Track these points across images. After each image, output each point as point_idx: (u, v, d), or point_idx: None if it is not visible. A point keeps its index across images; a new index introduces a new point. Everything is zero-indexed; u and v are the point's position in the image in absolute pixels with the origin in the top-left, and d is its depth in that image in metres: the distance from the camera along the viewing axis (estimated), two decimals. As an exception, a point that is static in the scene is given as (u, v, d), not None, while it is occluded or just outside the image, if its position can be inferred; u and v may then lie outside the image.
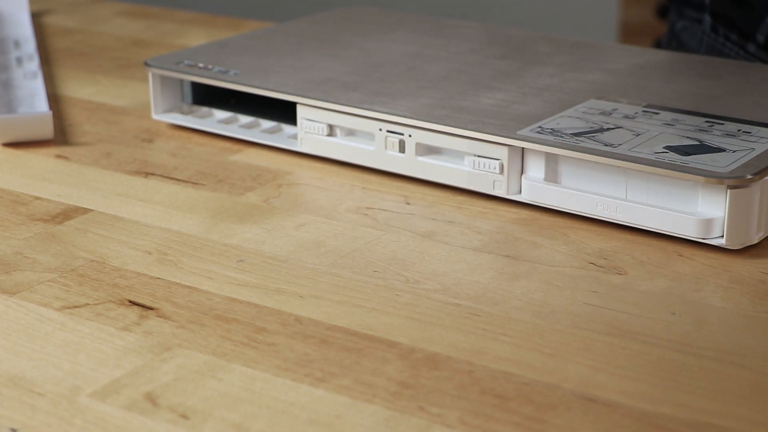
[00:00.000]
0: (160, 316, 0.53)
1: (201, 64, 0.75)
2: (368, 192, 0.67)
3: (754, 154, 0.59)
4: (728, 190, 0.57)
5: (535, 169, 0.63)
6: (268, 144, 0.72)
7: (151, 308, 0.54)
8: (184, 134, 0.76)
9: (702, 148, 0.60)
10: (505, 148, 0.63)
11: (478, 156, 0.64)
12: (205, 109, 0.76)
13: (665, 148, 0.60)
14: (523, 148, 0.63)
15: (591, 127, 0.63)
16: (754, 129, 0.63)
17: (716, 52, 0.90)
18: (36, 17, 1.03)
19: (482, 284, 0.56)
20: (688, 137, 0.62)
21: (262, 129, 0.74)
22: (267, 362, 0.50)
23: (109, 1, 1.11)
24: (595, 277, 0.56)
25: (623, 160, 0.59)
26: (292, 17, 0.82)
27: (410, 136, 0.66)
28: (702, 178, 0.57)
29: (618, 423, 0.45)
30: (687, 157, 0.59)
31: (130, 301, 0.55)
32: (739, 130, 0.62)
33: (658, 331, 0.52)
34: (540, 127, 0.63)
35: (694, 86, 0.71)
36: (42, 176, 0.69)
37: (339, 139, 0.69)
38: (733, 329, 0.52)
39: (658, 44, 1.00)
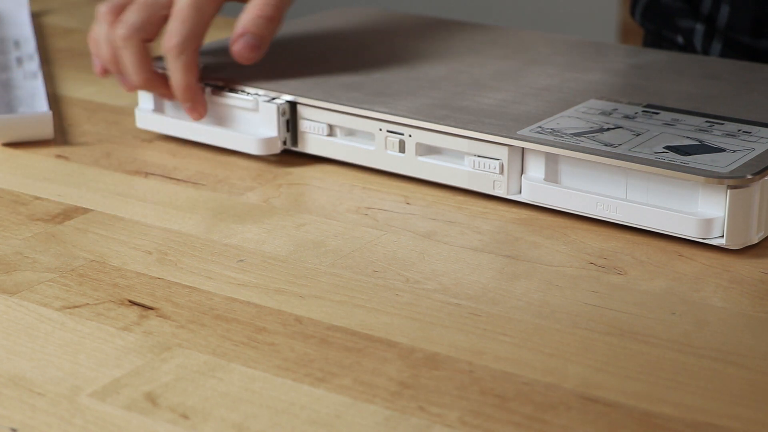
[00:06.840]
0: (160, 316, 0.53)
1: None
2: (368, 192, 0.66)
3: (754, 154, 0.59)
4: (728, 190, 0.57)
5: (535, 169, 0.63)
6: (268, 144, 0.72)
7: (151, 308, 0.54)
8: (184, 134, 0.75)
9: (702, 148, 0.60)
10: (505, 148, 0.63)
11: (478, 156, 0.64)
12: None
13: (665, 148, 0.60)
14: (523, 148, 0.63)
15: (591, 127, 0.63)
16: (754, 129, 0.63)
17: None
18: (36, 17, 1.03)
19: (482, 284, 0.56)
20: (688, 137, 0.62)
21: (262, 129, 0.74)
22: (267, 362, 0.50)
23: (109, 1, 1.11)
24: (595, 277, 0.56)
25: (623, 160, 0.59)
26: (292, 17, 0.82)
27: (410, 136, 0.66)
28: (702, 178, 0.57)
29: (618, 423, 0.45)
30: (687, 157, 0.59)
31: (130, 301, 0.55)
32: (739, 130, 0.62)
33: (658, 331, 0.52)
34: (540, 127, 0.63)
35: (694, 86, 0.71)
36: (42, 176, 0.69)
37: (339, 139, 0.69)
38: (733, 329, 0.52)
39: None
